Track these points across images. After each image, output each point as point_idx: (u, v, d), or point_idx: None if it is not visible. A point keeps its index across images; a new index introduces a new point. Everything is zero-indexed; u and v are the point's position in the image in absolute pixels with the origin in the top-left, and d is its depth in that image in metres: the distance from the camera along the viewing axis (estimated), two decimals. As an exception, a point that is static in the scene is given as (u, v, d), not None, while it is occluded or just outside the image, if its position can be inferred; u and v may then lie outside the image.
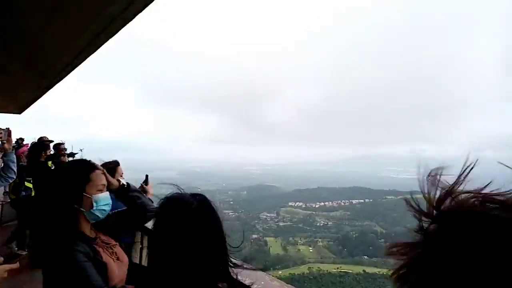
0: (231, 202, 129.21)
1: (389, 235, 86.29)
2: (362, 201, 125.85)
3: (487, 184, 0.71)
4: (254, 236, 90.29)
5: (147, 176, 3.70)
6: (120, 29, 2.73)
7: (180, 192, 1.39)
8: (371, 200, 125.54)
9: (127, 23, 2.62)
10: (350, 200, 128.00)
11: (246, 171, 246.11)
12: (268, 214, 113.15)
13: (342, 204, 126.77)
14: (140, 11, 2.43)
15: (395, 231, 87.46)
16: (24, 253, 5.36)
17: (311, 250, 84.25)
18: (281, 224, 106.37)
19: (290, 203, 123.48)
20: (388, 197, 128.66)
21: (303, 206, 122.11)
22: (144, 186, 3.62)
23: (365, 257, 78.55)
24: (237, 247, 1.35)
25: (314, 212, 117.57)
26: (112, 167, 3.87)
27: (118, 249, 2.08)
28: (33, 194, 5.95)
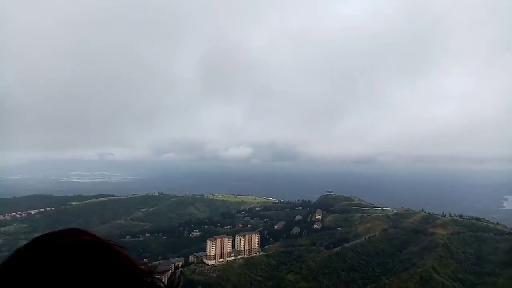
0: None
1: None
2: (42, 210, 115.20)
3: None
4: None
5: None
6: None
7: None
8: (53, 208, 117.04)
9: None
10: (28, 211, 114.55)
11: None
12: None
13: (18, 216, 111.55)
14: None
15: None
16: None
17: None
18: None
19: None
20: (72, 203, 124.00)
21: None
22: None
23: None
24: None
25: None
26: None
27: None
28: None
